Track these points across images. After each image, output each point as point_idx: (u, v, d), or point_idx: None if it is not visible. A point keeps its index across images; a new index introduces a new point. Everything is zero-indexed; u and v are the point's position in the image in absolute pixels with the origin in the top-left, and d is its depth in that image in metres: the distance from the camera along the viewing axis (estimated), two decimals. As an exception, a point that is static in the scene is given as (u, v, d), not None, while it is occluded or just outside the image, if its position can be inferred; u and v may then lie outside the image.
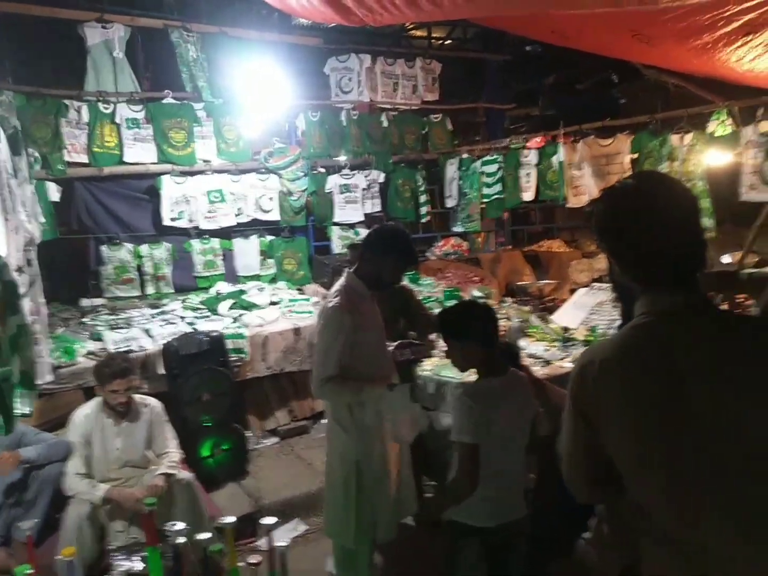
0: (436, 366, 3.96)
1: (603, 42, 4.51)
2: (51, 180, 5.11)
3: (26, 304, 2.75)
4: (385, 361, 2.73)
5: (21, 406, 2.41)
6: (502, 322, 4.74)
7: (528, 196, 6.02)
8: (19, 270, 2.88)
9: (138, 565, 2.50)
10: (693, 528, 1.18)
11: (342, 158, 6.57)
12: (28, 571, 2.29)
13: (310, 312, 5.21)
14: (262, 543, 3.26)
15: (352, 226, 6.51)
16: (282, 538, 2.53)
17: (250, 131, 6.10)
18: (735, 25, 3.76)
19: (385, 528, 2.75)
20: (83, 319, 4.82)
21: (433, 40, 8.29)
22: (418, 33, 8.12)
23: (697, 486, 1.17)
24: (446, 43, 8.62)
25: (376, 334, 2.68)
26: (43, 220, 4.21)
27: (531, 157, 5.92)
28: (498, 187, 5.99)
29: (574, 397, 1.33)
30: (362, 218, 6.52)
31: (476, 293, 5.44)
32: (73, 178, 5.31)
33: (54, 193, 5.12)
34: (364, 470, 2.64)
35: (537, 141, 6.15)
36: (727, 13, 3.66)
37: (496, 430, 2.17)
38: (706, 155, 4.27)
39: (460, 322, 2.25)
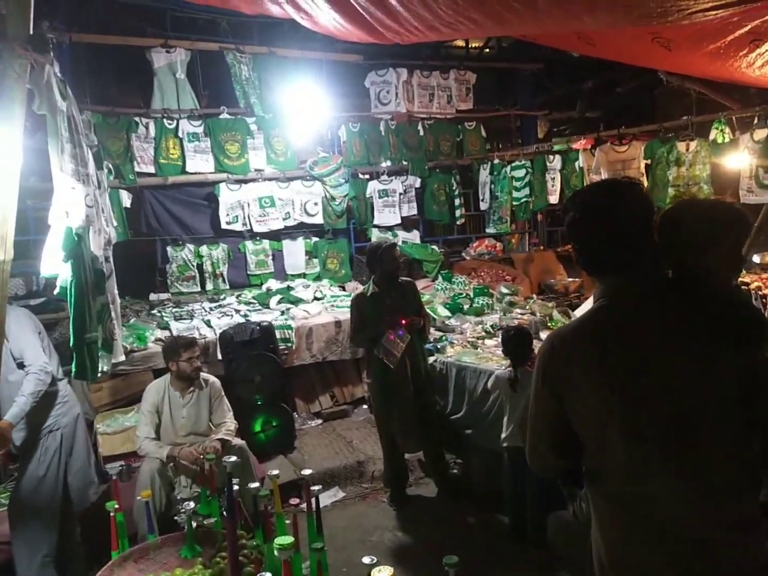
0: (458, 352, 4.38)
1: (627, 48, 4.82)
2: (123, 188, 5.78)
3: (110, 288, 3.36)
4: None
5: (102, 364, 3.01)
6: (525, 317, 5.13)
7: (554, 199, 6.35)
8: (106, 261, 3.49)
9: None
10: (645, 482, 1.36)
11: (381, 165, 7.06)
12: (116, 506, 2.86)
13: (349, 307, 5.68)
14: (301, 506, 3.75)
15: (390, 228, 6.98)
16: (324, 501, 2.98)
17: (297, 142, 6.64)
18: (742, 31, 4.05)
19: None
20: (152, 311, 5.47)
21: (470, 50, 8.68)
22: (457, 43, 8.51)
23: (651, 444, 1.35)
24: (485, 51, 8.98)
25: None
26: (116, 224, 4.84)
27: (556, 162, 6.24)
28: (526, 191, 6.33)
29: (543, 373, 1.49)
30: (399, 221, 6.99)
31: (504, 290, 5.81)
32: (142, 186, 5.98)
33: (126, 200, 5.78)
34: None
35: (582, 143, 6.42)
36: (734, 19, 3.96)
37: None
38: (709, 161, 4.55)
39: None
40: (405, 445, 4.06)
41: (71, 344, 2.80)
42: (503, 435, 3.48)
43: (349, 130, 6.91)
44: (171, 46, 6.11)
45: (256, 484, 2.79)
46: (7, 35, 2.28)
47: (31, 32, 2.35)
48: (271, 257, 6.55)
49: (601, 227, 1.47)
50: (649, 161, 5.15)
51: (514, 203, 6.51)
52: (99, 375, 3.00)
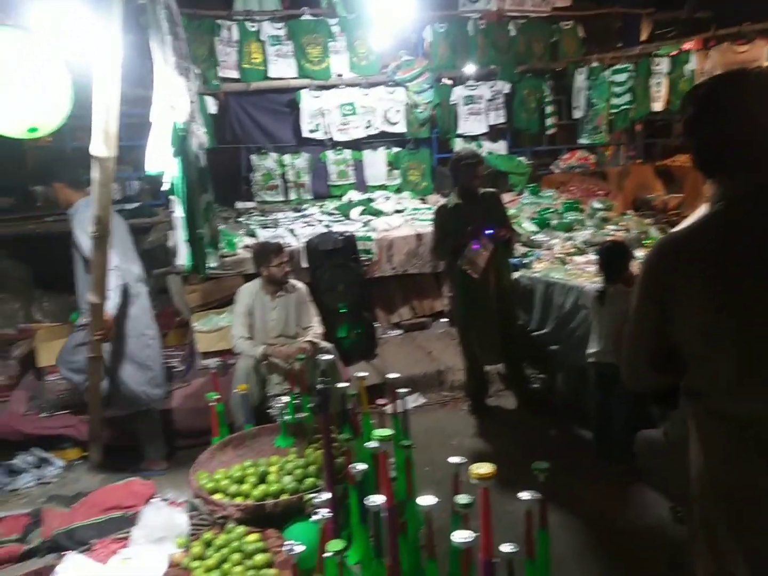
0: (546, 268, 4.25)
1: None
2: (209, 94, 5.78)
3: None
4: None
5: (209, 260, 3.12)
6: (620, 234, 4.87)
7: (658, 106, 5.82)
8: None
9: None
10: (753, 401, 1.27)
11: (467, 69, 6.66)
12: (216, 397, 3.05)
13: (431, 220, 5.58)
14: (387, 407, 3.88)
15: (474, 137, 6.67)
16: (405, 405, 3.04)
17: (380, 44, 6.34)
18: None
19: None
20: (239, 219, 5.60)
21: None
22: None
23: (762, 362, 1.25)
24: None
25: None
26: (205, 129, 4.88)
27: (662, 65, 5.68)
28: (627, 97, 5.83)
29: (648, 280, 1.40)
30: (486, 130, 6.67)
31: (596, 205, 5.50)
32: (226, 92, 5.95)
33: (212, 106, 5.79)
34: None
35: (693, 43, 5.81)
36: None
37: None
38: None
39: None
40: (485, 358, 4.06)
41: (186, 239, 2.88)
42: (590, 351, 3.40)
43: (435, 31, 6.52)
44: (252, -58, 5.86)
45: (345, 384, 2.89)
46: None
47: None
48: (352, 167, 6.47)
49: (724, 122, 1.33)
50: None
51: (612, 111, 6.04)
52: (207, 270, 3.11)
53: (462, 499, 1.88)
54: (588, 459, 3.42)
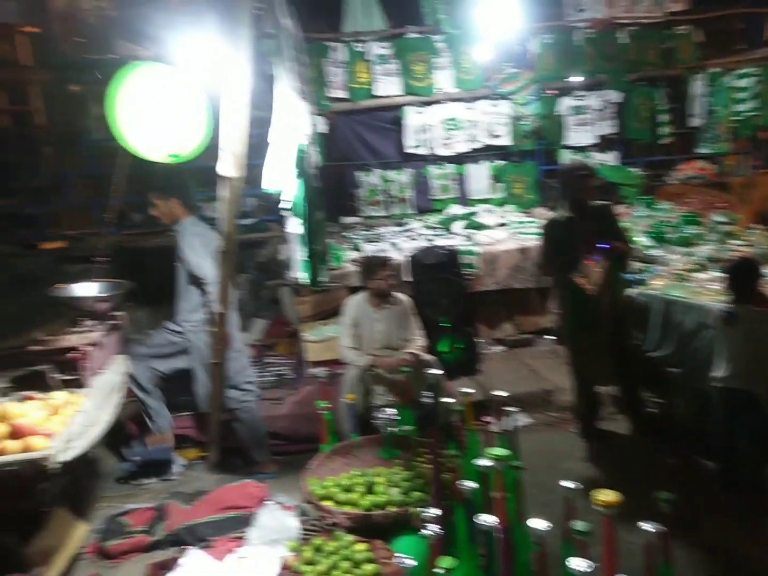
0: (665, 285, 4.02)
1: None
2: (319, 114, 6.01)
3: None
4: None
5: (321, 275, 3.24)
6: (745, 249, 4.52)
7: (790, 111, 5.37)
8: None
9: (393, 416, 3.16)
10: None
11: (574, 79, 6.48)
12: (325, 405, 3.13)
13: (536, 234, 5.45)
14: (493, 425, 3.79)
15: (582, 149, 6.47)
16: (510, 423, 2.97)
17: (484, 58, 6.31)
18: None
19: None
20: (344, 233, 5.77)
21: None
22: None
23: None
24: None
25: None
26: (317, 149, 5.08)
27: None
28: (753, 103, 5.43)
29: None
30: (595, 141, 6.44)
31: (718, 219, 5.14)
32: (334, 112, 6.16)
33: (321, 125, 6.01)
34: None
35: None
36: None
37: None
38: None
39: None
40: (596, 378, 3.89)
41: (306, 255, 3.03)
42: (716, 374, 3.17)
43: (541, 42, 6.40)
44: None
45: (451, 399, 2.87)
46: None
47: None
48: (455, 182, 6.47)
49: None
50: None
51: (735, 118, 5.64)
52: (320, 283, 3.25)
53: (580, 525, 1.81)
54: (711, 490, 3.18)
